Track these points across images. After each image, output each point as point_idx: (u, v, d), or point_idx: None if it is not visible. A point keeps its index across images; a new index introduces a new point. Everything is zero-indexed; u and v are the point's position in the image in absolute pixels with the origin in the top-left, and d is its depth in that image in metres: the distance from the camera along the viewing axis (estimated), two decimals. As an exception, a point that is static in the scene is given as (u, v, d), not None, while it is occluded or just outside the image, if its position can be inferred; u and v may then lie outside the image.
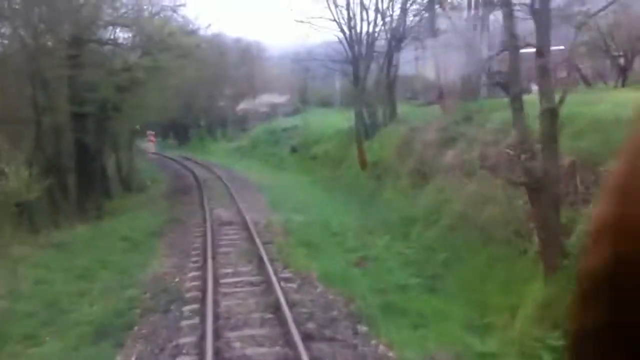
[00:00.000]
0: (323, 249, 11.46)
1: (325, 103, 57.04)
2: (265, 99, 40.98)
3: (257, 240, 11.59)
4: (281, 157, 30.94)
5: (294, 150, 29.81)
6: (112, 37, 23.15)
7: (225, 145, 45.93)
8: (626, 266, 0.45)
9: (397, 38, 22.45)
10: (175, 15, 26.44)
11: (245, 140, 43.13)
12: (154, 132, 30.35)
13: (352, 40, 22.98)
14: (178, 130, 67.64)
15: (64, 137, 20.31)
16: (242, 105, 42.51)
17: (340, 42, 23.45)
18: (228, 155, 40.48)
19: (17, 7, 17.57)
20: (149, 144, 29.78)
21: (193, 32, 28.89)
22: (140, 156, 31.82)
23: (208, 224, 14.25)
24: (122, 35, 24.01)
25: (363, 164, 19.68)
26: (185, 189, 23.48)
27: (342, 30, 23.17)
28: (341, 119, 28.79)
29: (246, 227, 13.64)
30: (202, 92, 51.61)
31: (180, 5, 26.39)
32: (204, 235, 13.14)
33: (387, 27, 23.57)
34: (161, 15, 25.49)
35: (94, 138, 21.76)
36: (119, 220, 17.23)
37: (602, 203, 0.49)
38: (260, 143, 35.80)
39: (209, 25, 34.64)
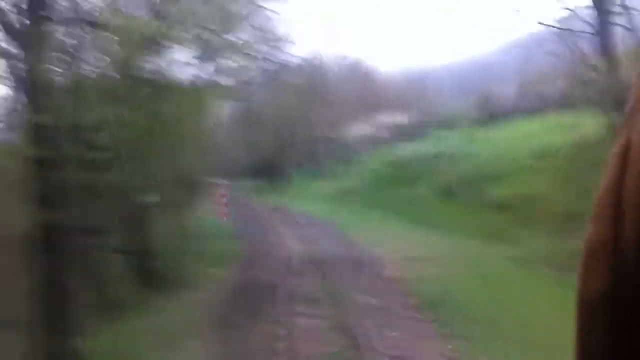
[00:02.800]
0: None
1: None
2: (383, 120, 28.64)
3: None
4: (425, 206, 18.29)
5: (449, 192, 17.08)
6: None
7: (328, 186, 34.05)
8: (624, 287, 0.44)
9: None
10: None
11: (355, 178, 30.93)
12: (226, 183, 18.77)
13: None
14: (270, 170, 57.24)
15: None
16: (350, 131, 30.39)
17: None
18: (334, 201, 28.39)
19: None
20: (219, 206, 18.29)
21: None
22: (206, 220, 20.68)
23: None
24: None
25: None
26: (266, 287, 11.34)
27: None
28: (537, 133, 15.80)
29: None
30: (296, 121, 40.68)
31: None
32: None
33: None
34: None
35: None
36: None
37: (594, 223, 0.47)
38: (381, 181, 23.40)
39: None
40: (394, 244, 13.95)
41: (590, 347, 0.47)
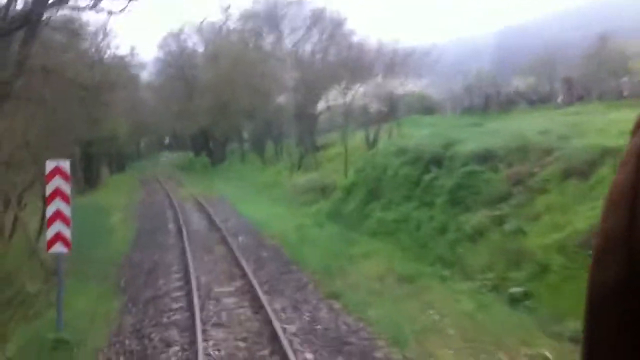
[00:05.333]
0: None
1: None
2: (377, 89, 18.01)
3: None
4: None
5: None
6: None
7: (284, 176, 23.50)
8: (638, 276, 0.44)
9: None
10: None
11: (329, 169, 20.56)
12: (66, 164, 8.07)
13: None
14: (212, 145, 45.65)
15: None
16: (324, 101, 19.48)
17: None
18: (295, 205, 17.95)
19: None
20: (53, 220, 7.60)
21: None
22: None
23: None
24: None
25: None
26: None
27: None
28: None
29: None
30: (242, 85, 29.58)
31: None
32: None
33: None
34: None
35: None
36: None
37: (608, 215, 0.47)
38: (388, 189, 13.08)
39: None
40: None
41: (600, 334, 0.46)
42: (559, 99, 31.39)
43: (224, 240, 11.87)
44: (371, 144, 20.44)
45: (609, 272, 0.46)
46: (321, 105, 19.93)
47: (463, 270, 8.98)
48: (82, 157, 28.42)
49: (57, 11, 15.19)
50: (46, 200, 7.88)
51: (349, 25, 32.74)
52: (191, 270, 9.09)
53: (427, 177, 12.06)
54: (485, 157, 10.94)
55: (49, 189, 7.67)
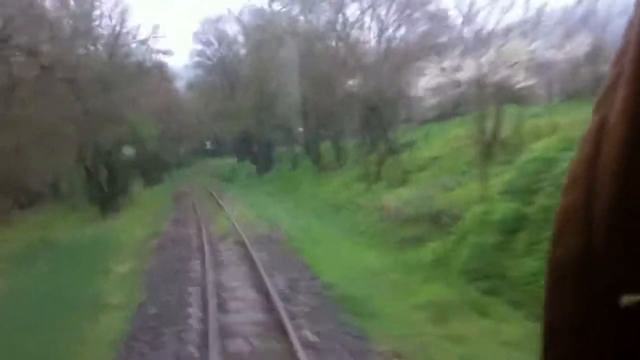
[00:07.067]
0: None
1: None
2: (523, 52, 11.02)
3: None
4: None
5: None
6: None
7: (367, 195, 16.83)
8: (595, 250, 0.45)
9: None
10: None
11: (429, 183, 13.75)
12: None
13: None
14: (256, 149, 39.46)
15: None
16: (432, 78, 12.67)
17: None
18: (398, 244, 11.27)
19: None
20: None
21: None
22: None
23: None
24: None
25: None
26: None
27: None
28: None
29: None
30: (293, 69, 23.17)
31: None
32: None
33: None
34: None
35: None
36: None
37: (567, 192, 0.48)
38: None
39: None
40: None
41: (559, 308, 0.47)
42: None
43: None
44: (488, 141, 13.48)
45: (568, 248, 0.46)
46: (425, 84, 13.08)
47: None
48: (93, 167, 22.52)
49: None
50: None
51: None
52: None
53: None
54: None
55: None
